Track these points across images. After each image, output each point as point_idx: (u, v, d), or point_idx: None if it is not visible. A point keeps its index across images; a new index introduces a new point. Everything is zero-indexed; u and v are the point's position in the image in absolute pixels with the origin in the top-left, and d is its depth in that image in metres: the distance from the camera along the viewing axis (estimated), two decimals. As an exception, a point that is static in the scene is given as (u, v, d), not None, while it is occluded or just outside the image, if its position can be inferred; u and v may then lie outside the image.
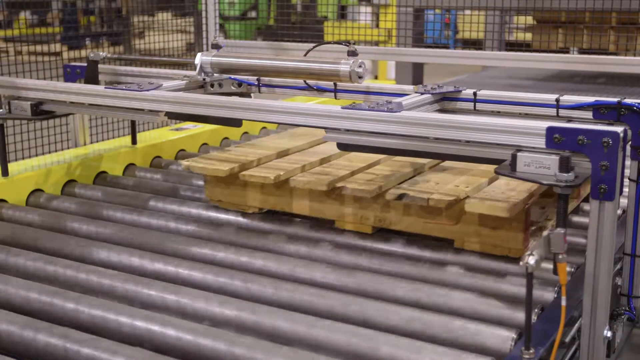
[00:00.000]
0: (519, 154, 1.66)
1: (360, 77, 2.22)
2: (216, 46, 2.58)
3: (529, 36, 6.07)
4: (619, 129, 1.56)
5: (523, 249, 1.91)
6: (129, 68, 2.88)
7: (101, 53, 2.77)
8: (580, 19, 5.23)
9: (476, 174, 2.15)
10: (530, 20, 5.99)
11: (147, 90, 2.25)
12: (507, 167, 1.68)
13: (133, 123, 3.08)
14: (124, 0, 5.82)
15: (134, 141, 3.09)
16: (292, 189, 2.21)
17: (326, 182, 2.11)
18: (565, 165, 1.59)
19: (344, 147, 1.97)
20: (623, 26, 4.97)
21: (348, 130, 1.90)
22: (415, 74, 5.73)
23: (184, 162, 2.33)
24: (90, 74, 2.78)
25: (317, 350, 1.60)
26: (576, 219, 2.40)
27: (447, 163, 2.27)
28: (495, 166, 1.72)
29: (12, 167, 2.66)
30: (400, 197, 1.97)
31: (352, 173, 2.21)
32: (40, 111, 2.45)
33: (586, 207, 2.51)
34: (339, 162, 2.34)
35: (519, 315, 1.69)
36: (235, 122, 2.34)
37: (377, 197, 2.08)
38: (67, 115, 2.66)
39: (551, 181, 1.59)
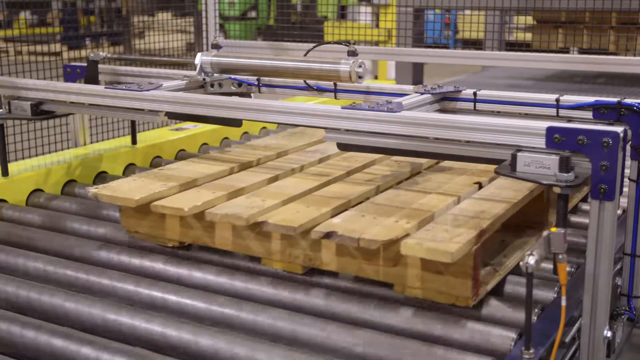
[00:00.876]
0: (519, 154, 1.66)
1: (360, 77, 2.22)
2: (216, 46, 2.58)
3: (529, 36, 6.07)
4: (619, 129, 1.56)
5: (472, 296, 1.68)
6: (128, 68, 2.88)
7: (101, 53, 2.77)
8: (580, 19, 5.23)
9: (430, 201, 1.91)
10: (530, 20, 5.99)
11: (147, 90, 2.25)
12: (507, 167, 1.68)
13: (133, 123, 3.08)
14: (124, 0, 5.82)
15: (134, 141, 3.09)
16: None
17: (246, 215, 1.83)
18: (565, 165, 1.59)
19: (344, 147, 1.97)
20: (623, 26, 4.97)
21: (348, 130, 1.90)
22: (415, 74, 5.73)
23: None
24: (90, 74, 2.78)
25: (316, 350, 1.60)
26: (575, 219, 2.40)
27: (408, 182, 2.12)
28: (495, 166, 1.72)
29: (12, 167, 2.66)
30: (327, 235, 1.71)
31: (283, 202, 1.95)
32: (40, 111, 2.45)
33: (584, 206, 2.50)
34: (265, 191, 2.05)
35: (519, 315, 1.69)
36: (235, 122, 2.33)
37: (306, 233, 1.80)
38: (67, 115, 2.66)
39: (551, 181, 1.60)
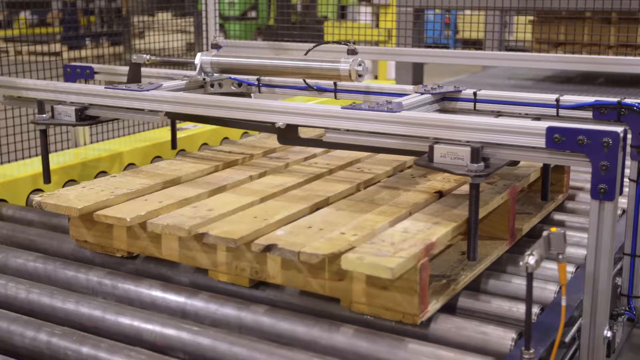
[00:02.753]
0: (435, 145, 1.72)
1: (360, 76, 2.22)
2: (216, 46, 2.58)
3: (529, 36, 6.09)
4: (619, 129, 1.57)
5: (419, 314, 1.59)
6: (127, 68, 2.87)
7: (144, 56, 2.69)
8: (578, 35, 5.25)
9: (384, 211, 1.83)
10: (529, 26, 6.01)
11: (147, 90, 2.25)
12: (425, 158, 1.74)
13: (173, 126, 2.92)
14: (124, 0, 5.82)
15: (173, 146, 2.94)
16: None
17: (188, 226, 1.76)
18: (476, 156, 1.66)
19: (284, 141, 1.98)
20: (621, 50, 4.99)
21: (348, 130, 1.90)
22: (415, 74, 5.74)
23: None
24: (132, 76, 2.72)
25: (316, 350, 1.60)
26: (557, 216, 2.38)
27: (366, 191, 2.03)
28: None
29: (12, 167, 2.66)
30: (268, 248, 1.63)
31: (232, 212, 1.87)
32: (85, 116, 2.35)
33: (569, 204, 2.49)
34: (214, 200, 1.97)
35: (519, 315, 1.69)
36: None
37: (250, 245, 1.70)
38: (112, 120, 2.52)
39: (463, 171, 1.66)
